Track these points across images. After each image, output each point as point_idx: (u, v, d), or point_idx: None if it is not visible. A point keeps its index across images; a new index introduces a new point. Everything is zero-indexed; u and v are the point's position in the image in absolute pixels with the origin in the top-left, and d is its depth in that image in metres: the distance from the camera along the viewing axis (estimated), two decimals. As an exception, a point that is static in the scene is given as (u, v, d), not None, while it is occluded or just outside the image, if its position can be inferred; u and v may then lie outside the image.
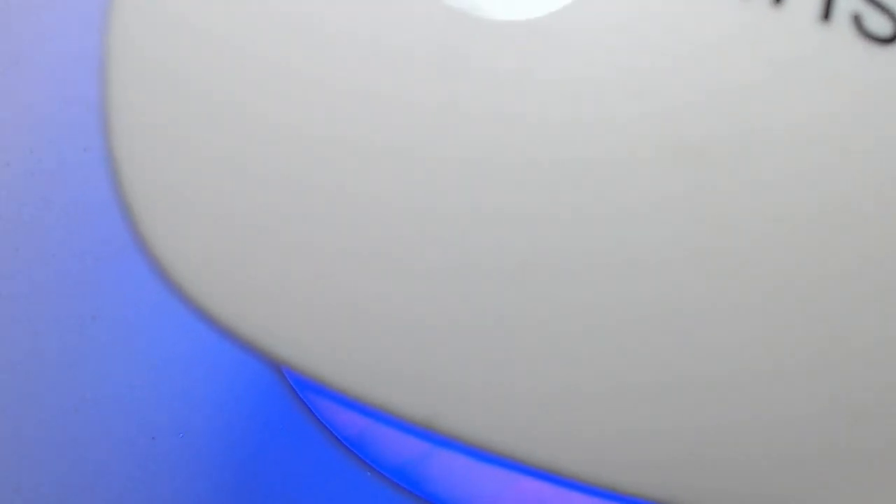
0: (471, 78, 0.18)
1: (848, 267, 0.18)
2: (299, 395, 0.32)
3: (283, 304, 0.18)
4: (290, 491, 0.32)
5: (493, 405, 0.18)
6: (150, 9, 0.18)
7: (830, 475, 0.19)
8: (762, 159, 0.18)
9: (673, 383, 0.18)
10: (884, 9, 0.18)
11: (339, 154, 0.18)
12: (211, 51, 0.18)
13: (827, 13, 0.18)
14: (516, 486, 0.30)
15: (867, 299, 0.18)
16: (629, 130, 0.18)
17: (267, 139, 0.18)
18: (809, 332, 0.18)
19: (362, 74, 0.18)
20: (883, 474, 0.19)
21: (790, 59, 0.18)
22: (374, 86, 0.18)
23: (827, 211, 0.18)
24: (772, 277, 0.18)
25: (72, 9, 0.33)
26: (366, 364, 0.18)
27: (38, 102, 0.32)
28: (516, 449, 0.18)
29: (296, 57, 0.18)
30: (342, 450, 0.32)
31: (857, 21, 0.18)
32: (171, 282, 0.19)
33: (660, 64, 0.18)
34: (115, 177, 0.19)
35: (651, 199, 0.18)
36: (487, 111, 0.18)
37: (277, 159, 0.18)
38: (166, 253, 0.19)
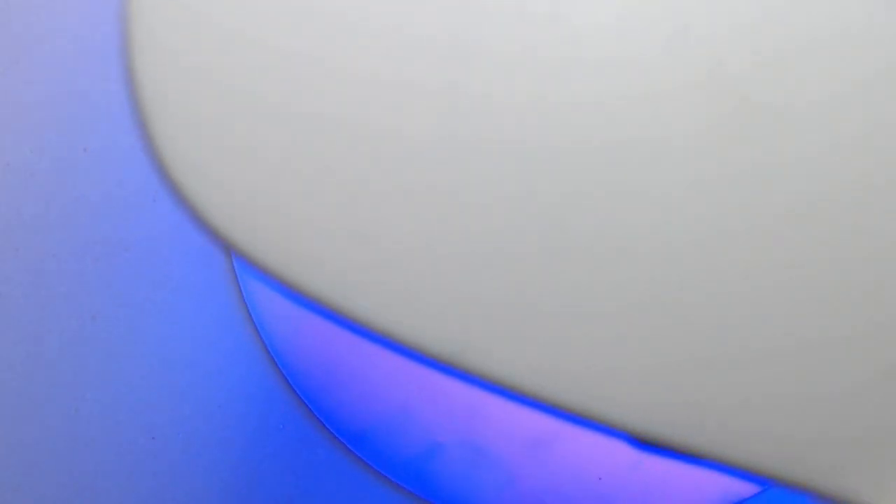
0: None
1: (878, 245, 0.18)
2: (299, 395, 0.32)
3: (321, 241, 0.18)
4: (290, 491, 0.32)
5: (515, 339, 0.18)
6: None
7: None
8: (809, 111, 0.18)
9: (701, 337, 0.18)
10: None
11: (347, 90, 0.18)
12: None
13: None
14: (516, 486, 0.30)
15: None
16: (672, 66, 0.18)
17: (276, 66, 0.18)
18: (834, 305, 0.18)
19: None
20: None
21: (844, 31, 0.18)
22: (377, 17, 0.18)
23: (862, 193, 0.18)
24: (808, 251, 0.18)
25: (72, 9, 0.33)
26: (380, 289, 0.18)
27: (38, 102, 0.32)
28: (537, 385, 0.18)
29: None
30: (342, 450, 0.32)
31: None
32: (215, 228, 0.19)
33: (707, 23, 0.18)
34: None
35: (690, 136, 0.18)
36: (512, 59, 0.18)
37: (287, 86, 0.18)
38: (187, 175, 0.19)
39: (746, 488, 0.30)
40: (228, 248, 0.19)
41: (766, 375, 0.18)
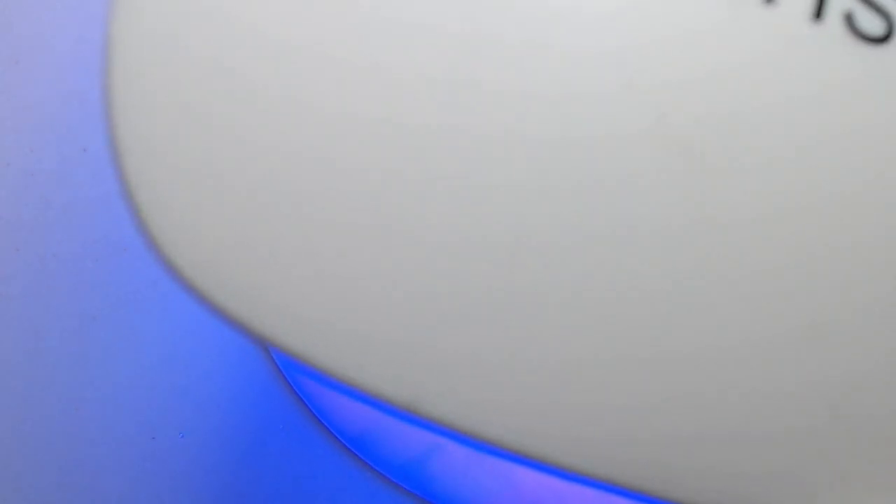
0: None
1: (819, 263, 0.18)
2: (299, 395, 0.32)
3: (275, 287, 0.18)
4: (290, 491, 0.32)
5: (485, 393, 0.18)
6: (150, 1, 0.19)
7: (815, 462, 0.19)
8: (749, 157, 0.18)
9: (666, 371, 0.18)
10: (877, 8, 0.18)
11: (336, 142, 0.18)
12: (213, 32, 0.18)
13: (819, 12, 0.18)
14: (516, 486, 0.30)
15: (847, 291, 0.18)
16: (616, 123, 0.18)
17: (262, 126, 0.18)
18: (792, 319, 0.18)
19: (364, 51, 0.18)
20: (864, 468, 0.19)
21: (780, 57, 0.18)
22: (374, 64, 0.18)
23: (812, 208, 0.18)
24: (756, 267, 0.18)
25: (72, 9, 0.33)
26: (352, 346, 0.18)
27: (38, 102, 0.32)
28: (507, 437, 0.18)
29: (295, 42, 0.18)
30: (342, 450, 0.32)
31: (850, 20, 0.18)
32: (170, 267, 0.19)
33: (650, 61, 0.18)
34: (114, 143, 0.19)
35: (636, 188, 0.18)
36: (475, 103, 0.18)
37: (270, 146, 0.18)
38: (168, 240, 0.19)
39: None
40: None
41: (711, 415, 0.19)
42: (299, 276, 0.18)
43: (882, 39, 0.18)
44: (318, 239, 0.18)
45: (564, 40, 0.18)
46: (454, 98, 0.18)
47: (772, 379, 0.18)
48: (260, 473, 0.32)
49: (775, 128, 0.18)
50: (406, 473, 0.31)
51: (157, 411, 0.31)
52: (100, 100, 0.32)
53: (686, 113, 0.18)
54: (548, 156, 0.18)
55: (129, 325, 0.32)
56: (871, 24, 0.18)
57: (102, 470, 0.31)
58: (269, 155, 0.18)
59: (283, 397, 0.32)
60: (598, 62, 0.18)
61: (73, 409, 0.31)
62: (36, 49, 0.32)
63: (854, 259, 0.18)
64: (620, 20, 0.18)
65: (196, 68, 0.18)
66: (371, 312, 0.18)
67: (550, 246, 0.18)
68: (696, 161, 0.18)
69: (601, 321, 0.18)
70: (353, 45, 0.18)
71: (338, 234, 0.18)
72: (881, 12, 0.18)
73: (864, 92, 0.18)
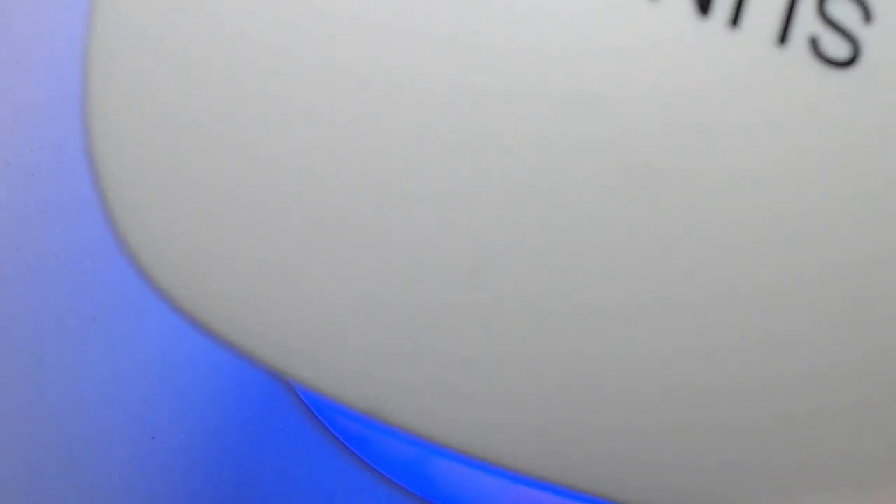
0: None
1: (774, 273, 0.19)
2: (299, 395, 0.32)
3: (260, 305, 0.19)
4: (290, 491, 0.32)
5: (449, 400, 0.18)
6: (127, 11, 0.19)
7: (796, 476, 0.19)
8: (714, 179, 0.18)
9: (632, 381, 0.19)
10: (842, 32, 0.18)
11: (316, 147, 0.18)
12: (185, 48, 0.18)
13: (784, 36, 0.18)
14: (516, 486, 0.30)
15: (809, 310, 0.19)
16: (581, 150, 0.18)
17: (243, 137, 0.19)
18: (752, 342, 0.19)
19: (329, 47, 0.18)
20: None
21: (744, 79, 0.18)
22: (339, 59, 0.18)
23: (778, 229, 0.18)
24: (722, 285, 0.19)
25: (72, 9, 0.33)
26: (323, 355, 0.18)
27: (38, 102, 0.32)
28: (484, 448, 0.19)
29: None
30: (342, 450, 0.32)
31: (814, 44, 0.18)
32: (143, 272, 0.19)
33: (617, 88, 0.18)
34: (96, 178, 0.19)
35: (603, 220, 0.18)
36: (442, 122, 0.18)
37: (254, 160, 0.18)
38: (145, 254, 0.19)
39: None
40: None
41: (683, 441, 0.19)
42: (273, 286, 0.18)
43: (847, 63, 0.18)
44: (292, 247, 0.18)
45: (532, 47, 0.18)
46: (426, 102, 0.18)
47: (733, 378, 0.19)
48: (260, 473, 0.32)
49: (737, 148, 0.18)
50: (406, 473, 0.31)
51: (157, 411, 0.31)
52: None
53: (648, 131, 0.18)
54: (516, 163, 0.18)
55: (129, 325, 0.32)
56: (837, 48, 0.18)
57: (102, 470, 0.31)
58: (247, 163, 0.18)
59: (283, 397, 0.32)
60: (564, 74, 0.18)
61: (73, 409, 0.31)
62: (36, 49, 0.32)
63: (811, 270, 0.19)
64: (585, 35, 0.18)
65: (171, 75, 0.18)
66: (344, 323, 0.18)
67: (514, 253, 0.18)
68: (657, 178, 0.18)
69: (568, 324, 0.18)
70: (328, 48, 0.18)
71: (316, 242, 0.18)
72: (847, 36, 0.18)
73: (828, 115, 0.18)
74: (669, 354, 0.19)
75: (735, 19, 0.18)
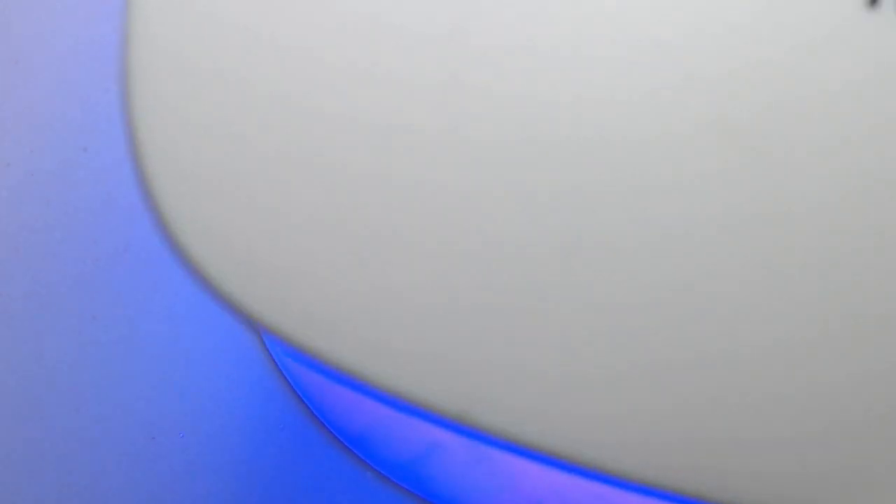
0: (494, 50, 0.18)
1: (880, 257, 0.18)
2: (299, 395, 0.32)
3: (325, 301, 0.18)
4: (290, 491, 0.32)
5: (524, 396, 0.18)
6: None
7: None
8: (801, 138, 0.18)
9: (713, 372, 0.18)
10: None
11: (350, 133, 0.18)
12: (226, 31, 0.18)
13: None
14: (516, 486, 0.30)
15: None
16: (671, 107, 0.18)
17: (282, 117, 0.18)
18: (856, 309, 0.18)
19: (370, 52, 0.18)
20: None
21: (835, 41, 0.18)
22: (383, 63, 0.18)
23: (864, 192, 0.18)
24: (811, 255, 0.18)
25: (72, 9, 0.33)
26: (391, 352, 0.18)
27: (38, 102, 0.32)
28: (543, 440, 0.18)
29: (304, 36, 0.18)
30: (342, 450, 0.32)
31: None
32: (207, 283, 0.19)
33: (701, 43, 0.18)
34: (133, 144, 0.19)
35: (689, 177, 0.18)
36: (522, 87, 0.18)
37: (290, 136, 0.18)
38: (195, 246, 0.19)
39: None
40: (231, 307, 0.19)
41: (763, 417, 0.19)
42: (334, 279, 0.18)
43: None
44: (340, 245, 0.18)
45: (618, 35, 0.18)
46: (491, 100, 0.18)
47: (823, 376, 0.18)
48: (260, 473, 0.32)
49: (836, 116, 0.18)
50: (406, 473, 0.31)
51: (157, 411, 0.31)
52: (100, 100, 0.32)
53: (745, 105, 0.18)
54: (607, 155, 0.18)
55: (129, 325, 0.32)
56: None
57: (102, 470, 0.31)
58: (286, 150, 0.18)
59: (283, 397, 0.32)
60: (655, 56, 0.18)
61: (73, 409, 0.31)
62: (36, 49, 0.32)
63: None
64: (672, 12, 0.18)
65: (210, 57, 0.18)
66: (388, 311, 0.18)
67: (609, 246, 0.18)
68: (759, 153, 0.18)
69: (661, 320, 0.18)
70: (363, 44, 0.18)
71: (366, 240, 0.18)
72: None
73: None
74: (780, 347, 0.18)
75: None
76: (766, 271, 0.18)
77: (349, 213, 0.18)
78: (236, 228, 0.18)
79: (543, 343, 0.18)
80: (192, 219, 0.18)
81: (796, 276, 0.18)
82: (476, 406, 0.18)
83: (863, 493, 0.19)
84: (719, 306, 0.18)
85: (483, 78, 0.18)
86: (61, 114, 0.32)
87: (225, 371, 0.32)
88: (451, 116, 0.18)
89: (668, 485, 0.18)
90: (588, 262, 0.18)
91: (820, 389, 0.18)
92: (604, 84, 0.18)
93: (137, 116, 0.19)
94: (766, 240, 0.18)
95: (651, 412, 0.18)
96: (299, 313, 0.18)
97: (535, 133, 0.18)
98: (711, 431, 0.18)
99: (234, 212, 0.18)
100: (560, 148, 0.18)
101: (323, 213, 0.18)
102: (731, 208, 0.18)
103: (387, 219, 0.18)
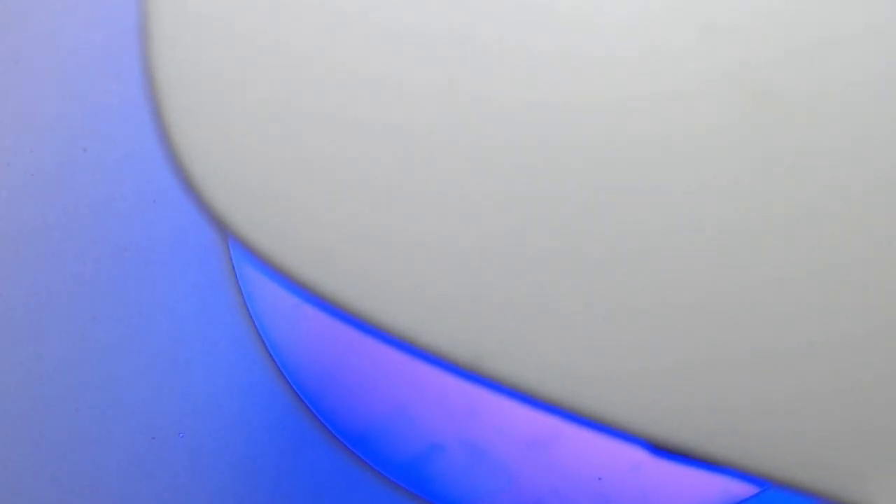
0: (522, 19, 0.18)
1: None
2: (299, 395, 0.32)
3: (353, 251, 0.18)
4: (289, 491, 0.32)
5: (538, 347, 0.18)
6: None
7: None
8: (835, 97, 0.18)
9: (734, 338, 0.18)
10: None
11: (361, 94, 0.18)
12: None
13: None
14: (516, 486, 0.30)
15: None
16: (697, 63, 0.18)
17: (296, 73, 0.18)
18: (877, 295, 0.18)
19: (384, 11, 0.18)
20: None
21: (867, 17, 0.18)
22: (381, 14, 0.18)
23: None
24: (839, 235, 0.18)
25: (72, 9, 0.33)
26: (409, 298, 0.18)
27: (38, 102, 0.32)
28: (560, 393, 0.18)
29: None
30: (342, 450, 0.32)
31: None
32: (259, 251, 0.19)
33: (737, 18, 0.18)
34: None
35: (716, 132, 0.18)
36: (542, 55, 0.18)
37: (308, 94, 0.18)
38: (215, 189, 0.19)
39: (746, 489, 0.30)
40: (243, 250, 0.19)
41: (781, 378, 0.18)
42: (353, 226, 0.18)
43: None
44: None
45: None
46: (510, 61, 0.18)
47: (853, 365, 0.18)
48: (260, 473, 0.32)
49: (858, 65, 0.18)
50: (406, 473, 0.31)
51: (157, 411, 0.31)
52: (100, 100, 0.32)
53: (766, 56, 0.18)
54: (628, 112, 0.18)
55: (129, 325, 0.32)
56: None
57: (102, 470, 0.31)
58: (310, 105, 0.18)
59: (283, 397, 0.32)
60: (673, 10, 0.18)
61: (73, 410, 0.31)
62: (36, 49, 0.32)
63: None
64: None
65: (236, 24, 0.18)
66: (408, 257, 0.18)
67: (619, 214, 0.18)
68: (778, 106, 0.18)
69: (678, 285, 0.18)
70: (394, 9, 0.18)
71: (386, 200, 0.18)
72: None
73: None
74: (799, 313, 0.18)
75: None
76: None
77: (362, 161, 0.18)
78: (255, 174, 0.18)
79: (560, 295, 0.18)
80: (199, 142, 0.18)
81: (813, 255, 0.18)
82: (488, 354, 0.18)
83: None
84: (727, 267, 0.18)
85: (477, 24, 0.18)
86: (61, 114, 0.32)
87: (225, 371, 0.32)
88: (449, 71, 0.18)
89: (681, 443, 0.18)
90: (605, 208, 0.18)
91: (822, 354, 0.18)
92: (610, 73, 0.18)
93: (156, 52, 0.19)
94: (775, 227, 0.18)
95: (667, 368, 0.18)
96: (314, 254, 0.18)
97: (539, 96, 0.18)
98: (726, 391, 0.18)
99: (249, 153, 0.18)
100: (565, 109, 0.18)
101: (333, 156, 0.18)
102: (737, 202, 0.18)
103: (396, 162, 0.18)
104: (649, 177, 0.18)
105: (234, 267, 0.32)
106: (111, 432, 0.31)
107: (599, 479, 0.30)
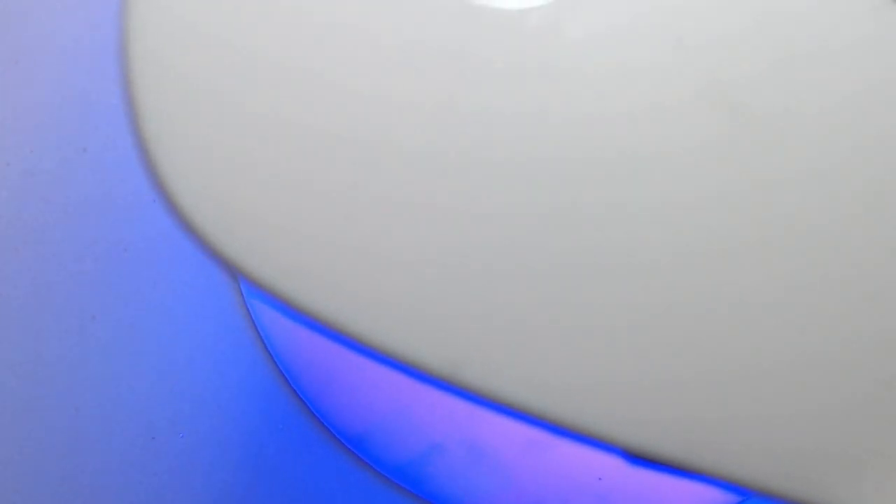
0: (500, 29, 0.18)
1: (874, 223, 0.18)
2: (299, 395, 0.32)
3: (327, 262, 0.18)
4: (289, 491, 0.32)
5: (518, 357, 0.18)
6: None
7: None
8: (804, 111, 0.18)
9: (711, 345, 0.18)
10: None
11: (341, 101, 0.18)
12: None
13: None
14: (516, 486, 0.30)
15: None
16: (669, 79, 0.18)
17: (270, 77, 0.18)
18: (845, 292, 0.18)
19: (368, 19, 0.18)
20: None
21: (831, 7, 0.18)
22: (378, 34, 0.18)
23: (872, 176, 0.18)
24: (808, 232, 0.18)
25: (71, 9, 0.33)
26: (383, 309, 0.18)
27: (38, 102, 0.32)
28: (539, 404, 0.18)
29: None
30: (342, 450, 0.32)
31: None
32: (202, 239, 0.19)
33: (696, 20, 0.18)
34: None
35: (688, 148, 0.18)
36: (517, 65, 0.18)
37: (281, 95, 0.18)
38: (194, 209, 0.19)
39: (745, 490, 0.30)
40: (226, 266, 0.19)
41: (758, 391, 0.18)
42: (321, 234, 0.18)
43: None
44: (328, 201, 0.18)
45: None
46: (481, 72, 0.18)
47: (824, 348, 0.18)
48: (260, 473, 0.32)
49: (827, 81, 0.18)
50: (406, 473, 0.31)
51: (157, 411, 0.31)
52: (100, 100, 0.32)
53: (736, 71, 0.18)
54: (596, 128, 0.18)
55: (129, 325, 0.32)
56: None
57: (102, 470, 0.31)
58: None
59: (283, 397, 0.32)
60: (644, 27, 0.18)
61: (73, 410, 0.31)
62: (36, 49, 0.32)
63: None
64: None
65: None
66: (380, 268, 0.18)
67: (596, 215, 0.18)
68: (749, 121, 0.18)
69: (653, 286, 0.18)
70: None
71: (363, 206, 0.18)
72: None
73: None
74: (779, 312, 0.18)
75: None
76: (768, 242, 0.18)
77: (340, 173, 0.18)
78: (235, 193, 0.18)
79: (536, 307, 0.18)
80: (184, 171, 0.18)
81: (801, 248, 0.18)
82: (466, 364, 0.18)
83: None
84: (712, 268, 0.18)
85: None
86: (61, 114, 0.32)
87: (225, 371, 0.32)
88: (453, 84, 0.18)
89: (656, 452, 0.18)
90: (581, 222, 0.18)
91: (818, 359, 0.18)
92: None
93: (134, 72, 0.19)
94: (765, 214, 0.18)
95: (643, 379, 0.18)
96: (298, 274, 0.18)
97: (529, 97, 0.18)
98: (700, 402, 0.18)
99: (229, 173, 0.18)
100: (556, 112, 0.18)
101: (312, 171, 0.18)
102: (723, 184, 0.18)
103: (377, 175, 0.18)
104: (625, 193, 0.18)
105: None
106: (111, 432, 0.31)
107: (599, 479, 0.30)
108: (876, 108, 0.18)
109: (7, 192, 0.32)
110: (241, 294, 0.32)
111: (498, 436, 0.30)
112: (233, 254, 0.18)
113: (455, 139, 0.18)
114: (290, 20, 0.18)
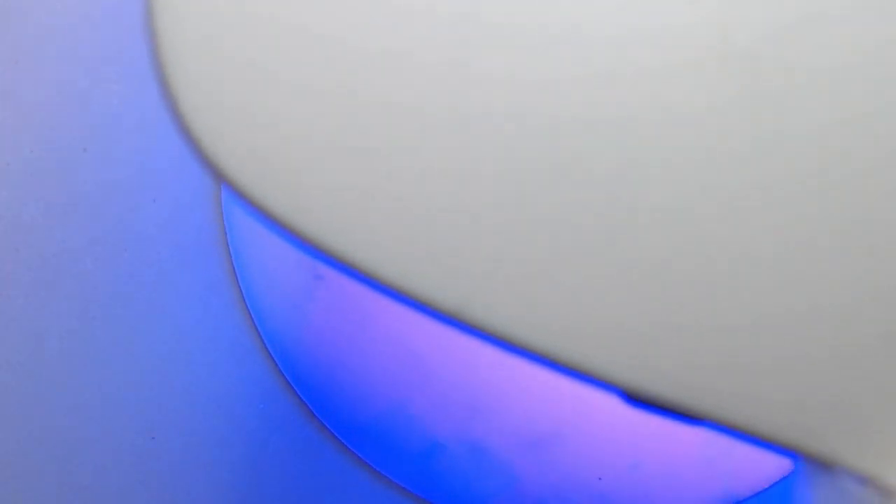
0: None
1: (880, 178, 0.18)
2: (299, 395, 0.32)
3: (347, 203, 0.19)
4: (290, 491, 0.32)
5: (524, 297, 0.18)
6: None
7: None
8: (815, 67, 0.18)
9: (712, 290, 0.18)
10: None
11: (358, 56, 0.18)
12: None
13: None
14: (516, 486, 0.30)
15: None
16: (679, 36, 0.18)
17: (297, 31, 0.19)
18: (849, 239, 0.18)
19: None
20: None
21: None
22: None
23: (875, 130, 0.18)
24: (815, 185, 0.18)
25: (72, 9, 0.33)
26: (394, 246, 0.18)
27: (38, 102, 0.32)
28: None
29: None
30: (342, 450, 0.32)
31: None
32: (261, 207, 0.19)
33: None
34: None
35: (698, 105, 0.18)
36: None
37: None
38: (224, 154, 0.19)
39: (746, 489, 0.30)
40: (235, 197, 0.19)
41: (762, 337, 0.19)
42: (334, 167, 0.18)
43: None
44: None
45: None
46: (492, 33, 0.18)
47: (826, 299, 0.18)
48: (260, 473, 0.32)
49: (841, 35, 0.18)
50: (406, 473, 0.31)
51: (157, 411, 0.31)
52: (100, 100, 0.32)
53: (751, 29, 0.18)
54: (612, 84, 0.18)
55: (129, 325, 0.32)
56: None
57: (102, 470, 0.31)
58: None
59: (283, 397, 0.32)
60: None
61: (72, 409, 0.31)
62: (36, 49, 0.32)
63: None
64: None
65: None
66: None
67: (607, 167, 0.18)
68: (761, 77, 0.18)
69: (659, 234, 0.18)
70: None
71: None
72: None
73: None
74: (779, 266, 0.18)
75: None
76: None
77: (353, 111, 0.18)
78: (247, 117, 0.19)
79: (545, 247, 0.18)
80: (193, 83, 0.19)
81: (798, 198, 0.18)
82: (473, 302, 0.18)
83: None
84: (712, 218, 0.18)
85: None
86: (61, 114, 0.32)
87: (225, 371, 0.32)
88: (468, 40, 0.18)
89: (656, 394, 0.19)
90: (590, 170, 0.18)
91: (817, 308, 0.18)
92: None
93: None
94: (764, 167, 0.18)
95: (646, 320, 0.18)
96: (307, 203, 0.19)
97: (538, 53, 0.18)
98: (702, 345, 0.18)
99: (242, 95, 0.19)
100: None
101: (325, 110, 0.19)
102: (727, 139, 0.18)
103: (387, 116, 0.18)
104: (636, 151, 0.18)
105: (234, 266, 0.32)
106: (111, 432, 0.31)
107: (599, 478, 0.30)
108: (893, 65, 0.18)
109: (7, 192, 0.32)
110: (241, 293, 0.32)
111: (499, 435, 0.30)
112: (246, 184, 0.19)
113: (466, 87, 0.18)
114: None
